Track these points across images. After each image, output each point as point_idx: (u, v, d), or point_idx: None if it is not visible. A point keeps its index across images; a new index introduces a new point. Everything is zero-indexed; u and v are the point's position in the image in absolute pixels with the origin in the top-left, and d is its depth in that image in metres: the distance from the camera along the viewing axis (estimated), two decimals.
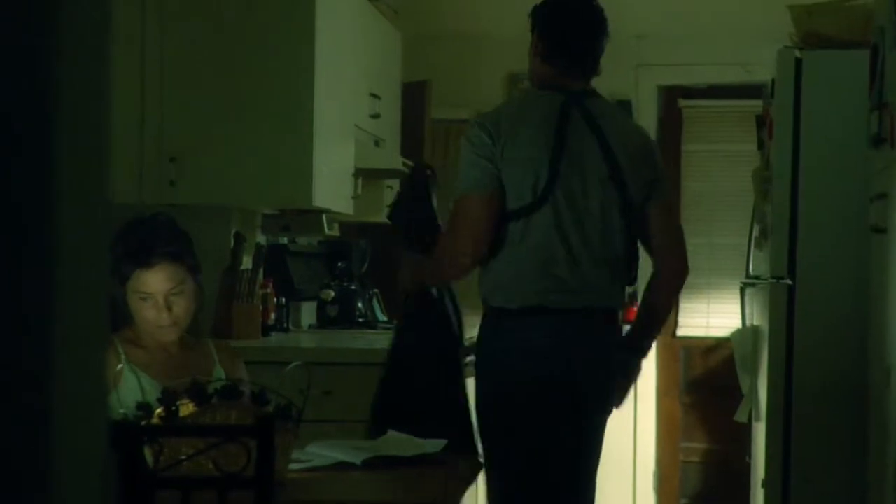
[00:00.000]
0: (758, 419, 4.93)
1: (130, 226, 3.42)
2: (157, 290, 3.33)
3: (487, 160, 3.57)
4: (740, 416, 5.20)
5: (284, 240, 5.55)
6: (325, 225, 5.25)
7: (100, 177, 1.22)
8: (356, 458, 3.13)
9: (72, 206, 1.14)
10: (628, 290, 3.93)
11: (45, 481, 1.10)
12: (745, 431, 5.42)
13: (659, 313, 3.83)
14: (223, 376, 3.43)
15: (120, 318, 3.43)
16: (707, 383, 6.82)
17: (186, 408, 2.71)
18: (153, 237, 3.38)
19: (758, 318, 5.01)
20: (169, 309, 3.35)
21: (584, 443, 3.71)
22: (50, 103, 1.10)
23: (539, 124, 3.61)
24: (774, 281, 4.50)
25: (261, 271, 4.87)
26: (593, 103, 3.70)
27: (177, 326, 3.39)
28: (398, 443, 3.39)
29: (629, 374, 3.81)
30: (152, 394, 3.24)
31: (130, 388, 3.29)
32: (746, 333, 5.08)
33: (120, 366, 3.29)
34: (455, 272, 3.71)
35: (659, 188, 3.72)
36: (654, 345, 3.92)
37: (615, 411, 3.81)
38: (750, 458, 5.31)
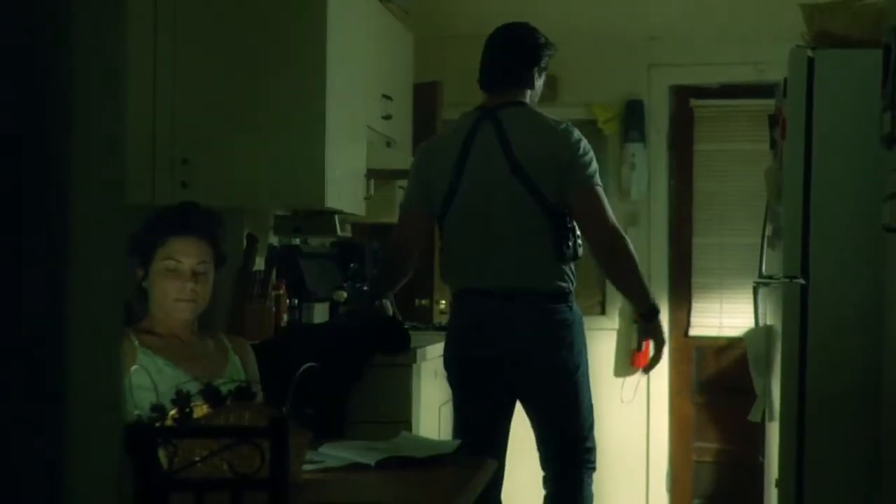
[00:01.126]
0: (771, 419, 4.93)
1: (167, 208, 3.54)
2: (186, 259, 3.42)
3: (420, 182, 4.47)
4: (754, 416, 5.19)
5: (297, 241, 5.55)
6: (338, 226, 5.25)
7: (114, 176, 1.22)
8: (370, 460, 3.13)
9: (85, 206, 1.14)
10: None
11: (61, 484, 1.10)
12: (758, 431, 5.41)
13: (620, 283, 4.49)
14: (238, 365, 3.48)
15: (133, 313, 3.48)
16: (719, 383, 6.81)
17: (200, 409, 2.71)
18: (193, 212, 3.56)
19: (771, 318, 5.00)
20: (193, 281, 3.42)
21: (506, 407, 4.43)
22: (64, 105, 1.11)
23: (453, 141, 4.40)
24: (787, 280, 4.49)
25: (273, 272, 4.87)
26: (505, 114, 4.37)
27: (195, 304, 3.45)
28: (413, 443, 3.40)
29: (648, 338, 4.44)
30: (168, 376, 3.27)
31: (142, 375, 3.30)
32: (760, 333, 5.07)
33: (134, 367, 3.30)
34: (396, 260, 4.64)
35: (571, 178, 4.26)
36: (667, 342, 4.51)
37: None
38: (763, 457, 5.30)
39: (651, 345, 4.46)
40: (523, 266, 4.28)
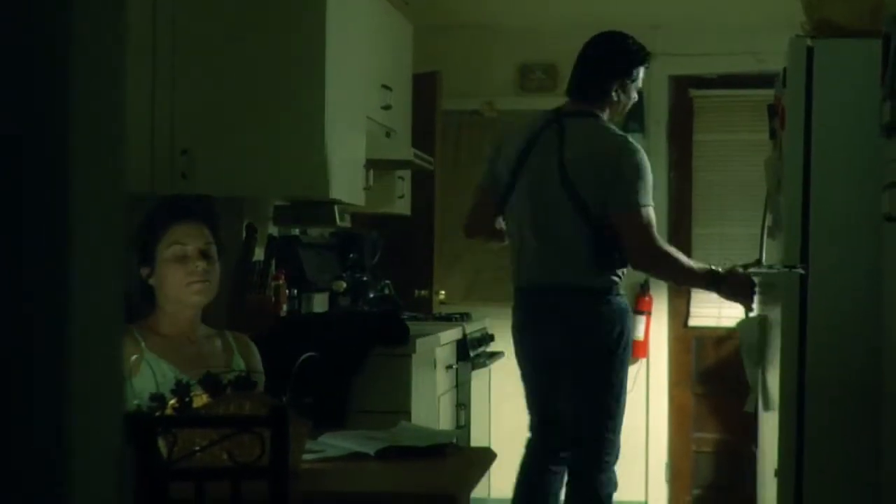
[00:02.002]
0: (766, 409, 4.93)
1: (163, 200, 3.52)
2: (191, 241, 3.38)
3: (492, 167, 4.70)
4: (749, 407, 5.20)
5: (296, 231, 5.55)
6: (337, 216, 5.24)
7: (114, 168, 1.22)
8: (370, 449, 3.13)
9: (86, 197, 1.14)
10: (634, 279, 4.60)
11: (62, 473, 1.10)
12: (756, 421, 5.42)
13: (669, 281, 5.13)
14: (243, 366, 3.44)
15: (137, 309, 3.44)
16: (718, 373, 6.81)
17: (200, 399, 2.71)
18: (187, 198, 3.58)
19: (767, 308, 5.00)
20: (204, 260, 3.38)
21: (553, 392, 4.61)
22: (64, 96, 1.11)
23: (521, 137, 4.59)
24: (787, 270, 4.49)
25: (273, 263, 4.87)
26: (572, 121, 4.53)
27: (208, 284, 3.40)
28: (412, 433, 3.40)
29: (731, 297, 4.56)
30: (172, 380, 3.25)
31: (147, 377, 3.29)
32: (752, 323, 5.07)
33: (135, 356, 3.29)
34: (465, 232, 4.93)
35: (615, 199, 4.39)
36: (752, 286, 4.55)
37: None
38: (756, 447, 5.30)
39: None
40: (561, 265, 4.47)
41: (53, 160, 1.10)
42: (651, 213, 4.41)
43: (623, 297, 4.53)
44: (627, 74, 4.57)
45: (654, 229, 4.43)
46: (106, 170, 1.20)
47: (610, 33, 4.66)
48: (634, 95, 4.64)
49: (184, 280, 3.38)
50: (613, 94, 4.55)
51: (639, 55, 4.60)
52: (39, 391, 1.10)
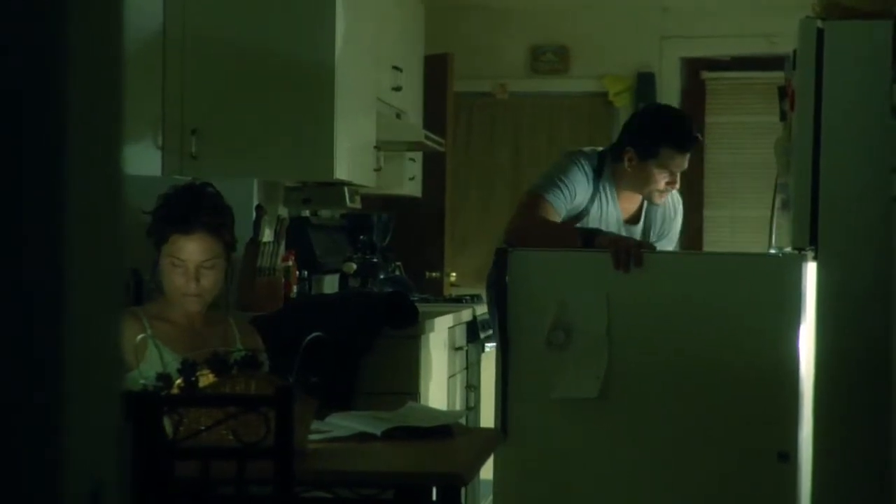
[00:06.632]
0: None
1: (177, 191, 3.47)
2: (189, 258, 3.37)
3: None
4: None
5: (306, 212, 5.55)
6: (347, 197, 5.25)
7: (112, 152, 1.22)
8: (376, 429, 3.14)
9: (84, 182, 1.14)
10: None
11: (60, 454, 1.11)
12: None
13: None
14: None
15: (146, 292, 3.46)
16: None
17: (206, 378, 2.72)
18: (197, 206, 3.43)
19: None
20: (197, 280, 3.38)
21: None
22: (62, 78, 1.11)
23: None
24: (796, 252, 4.49)
25: (283, 244, 4.88)
26: None
27: (201, 298, 3.41)
28: (419, 414, 3.41)
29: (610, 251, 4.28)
30: (174, 368, 3.26)
31: (152, 361, 3.30)
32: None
33: (142, 335, 3.30)
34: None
35: None
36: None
37: None
38: None
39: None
40: None
41: (51, 142, 1.10)
42: (532, 196, 4.43)
43: None
44: (643, 147, 4.45)
45: (526, 209, 4.43)
46: (104, 153, 1.20)
47: (658, 105, 4.80)
48: (658, 178, 4.47)
49: (179, 288, 3.39)
50: (626, 161, 4.47)
51: (665, 134, 4.45)
52: (37, 364, 1.11)
